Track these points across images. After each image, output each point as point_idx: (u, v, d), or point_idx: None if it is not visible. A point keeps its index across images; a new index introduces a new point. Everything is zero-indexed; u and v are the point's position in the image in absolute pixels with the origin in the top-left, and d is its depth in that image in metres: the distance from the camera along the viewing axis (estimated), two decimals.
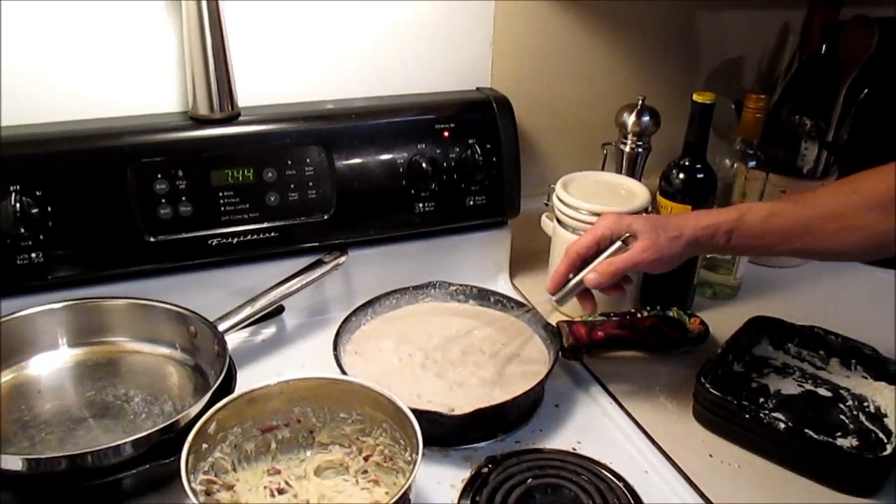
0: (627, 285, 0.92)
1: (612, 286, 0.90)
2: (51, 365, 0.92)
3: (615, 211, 0.97)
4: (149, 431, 0.75)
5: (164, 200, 0.95)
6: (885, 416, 0.93)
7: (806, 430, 0.84)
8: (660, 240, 0.85)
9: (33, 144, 0.92)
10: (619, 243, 0.88)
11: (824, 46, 1.29)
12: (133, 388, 0.89)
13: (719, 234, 0.86)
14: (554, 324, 1.00)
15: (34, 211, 0.89)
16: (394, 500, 0.68)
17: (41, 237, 0.91)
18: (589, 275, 0.88)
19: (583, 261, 0.90)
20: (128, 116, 0.99)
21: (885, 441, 0.89)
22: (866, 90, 1.26)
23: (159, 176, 0.94)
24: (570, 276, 0.90)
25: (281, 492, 0.76)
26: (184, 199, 0.96)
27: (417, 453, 0.72)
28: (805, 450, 0.85)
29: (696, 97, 1.05)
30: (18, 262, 0.91)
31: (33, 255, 0.91)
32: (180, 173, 0.95)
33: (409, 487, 0.70)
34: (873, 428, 0.92)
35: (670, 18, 1.28)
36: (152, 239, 0.95)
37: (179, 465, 0.70)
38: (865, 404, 0.95)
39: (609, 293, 0.91)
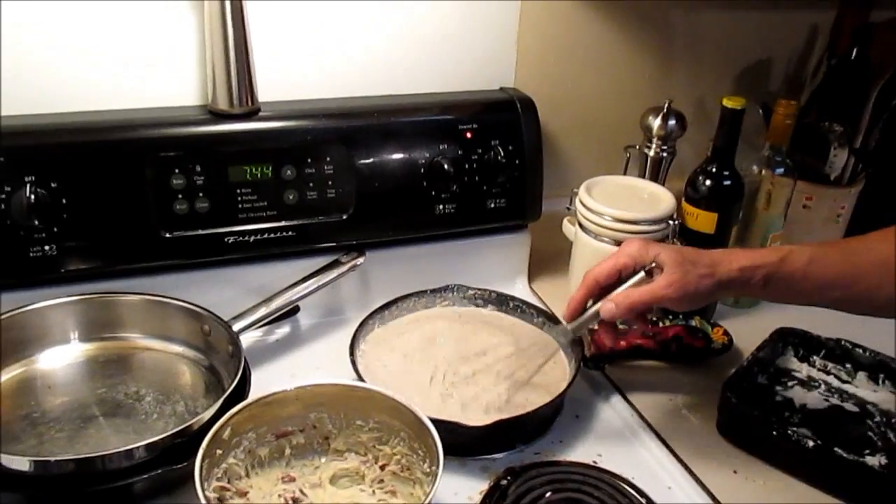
0: (651, 315, 0.86)
1: (636, 316, 0.84)
2: (61, 360, 0.91)
3: (641, 237, 0.93)
4: (162, 436, 0.73)
5: (180, 195, 0.93)
6: None
7: (835, 449, 0.82)
8: (688, 276, 0.79)
9: (49, 134, 0.90)
10: (641, 273, 0.82)
11: (854, 50, 1.26)
12: (145, 386, 0.88)
13: (756, 277, 0.80)
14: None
15: (48, 202, 0.88)
16: None
17: (55, 229, 0.89)
18: (606, 305, 0.82)
19: (602, 288, 0.84)
20: (146, 108, 0.97)
21: None
22: None
23: (176, 170, 0.93)
24: (589, 303, 0.85)
25: (296, 501, 0.75)
26: (201, 194, 0.94)
27: (438, 466, 0.70)
28: (834, 468, 0.83)
29: (726, 102, 1.02)
30: (31, 254, 0.89)
31: (46, 247, 0.90)
32: (198, 168, 0.93)
33: (430, 502, 0.68)
34: None
35: (697, 19, 1.26)
36: (168, 235, 0.94)
37: (193, 471, 0.68)
38: (894, 421, 0.93)
39: (630, 324, 0.86)
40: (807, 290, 0.81)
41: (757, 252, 0.83)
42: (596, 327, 0.87)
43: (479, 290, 1.06)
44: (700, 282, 0.79)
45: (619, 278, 0.84)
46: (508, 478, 0.81)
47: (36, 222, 0.88)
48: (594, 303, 0.85)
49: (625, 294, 0.82)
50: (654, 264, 0.82)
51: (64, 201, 0.89)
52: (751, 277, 0.80)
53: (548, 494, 0.79)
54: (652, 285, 0.81)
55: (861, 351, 0.99)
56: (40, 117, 0.92)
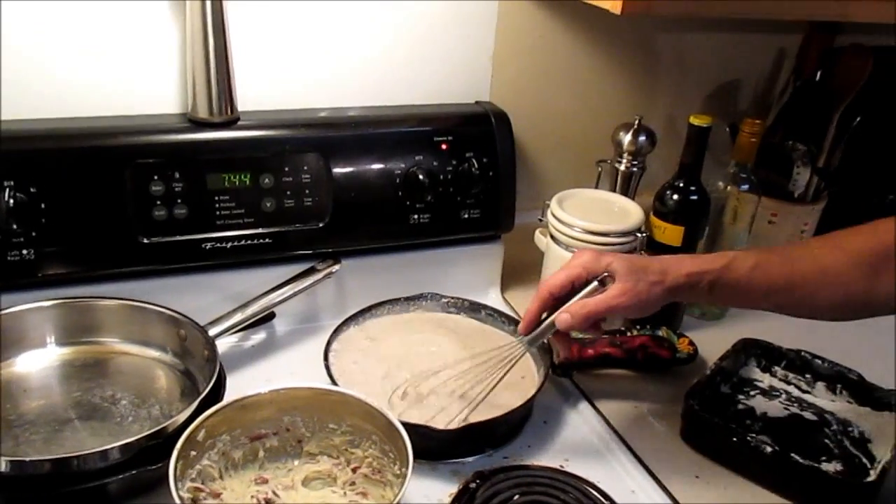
0: (606, 325, 0.88)
1: (589, 326, 0.85)
2: (38, 363, 0.91)
3: (592, 247, 0.95)
4: (137, 437, 0.74)
5: (159, 202, 0.95)
6: (870, 441, 0.94)
7: (792, 455, 0.85)
8: (639, 285, 0.81)
9: (30, 140, 0.91)
10: (595, 283, 0.83)
11: (819, 73, 1.31)
12: (121, 390, 0.89)
13: (703, 283, 0.82)
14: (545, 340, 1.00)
15: (28, 207, 0.89)
16: None
17: (34, 234, 0.90)
18: (561, 316, 0.83)
19: (555, 300, 0.85)
20: (126, 116, 0.98)
21: (869, 467, 0.90)
22: (859, 118, 1.28)
23: (156, 177, 0.94)
24: (544, 315, 0.86)
25: (268, 502, 0.76)
26: (179, 201, 0.95)
27: (407, 467, 0.72)
28: (791, 474, 0.85)
29: (692, 119, 1.06)
30: (9, 258, 0.90)
31: (25, 251, 0.90)
32: (177, 175, 0.95)
33: (399, 502, 0.70)
34: (857, 453, 0.93)
35: (670, 40, 1.29)
36: (146, 240, 0.95)
37: (167, 472, 0.70)
38: (850, 429, 0.96)
39: (585, 330, 0.87)
40: (750, 295, 0.84)
41: (704, 258, 0.85)
42: (550, 337, 0.89)
43: (453, 298, 1.08)
44: (651, 289, 0.82)
45: (572, 288, 0.85)
46: (477, 481, 0.83)
47: (15, 227, 0.89)
48: (549, 314, 0.86)
49: (580, 304, 0.83)
50: (606, 274, 0.83)
51: (43, 206, 0.90)
52: (698, 283, 0.82)
53: (515, 497, 0.81)
54: (605, 295, 0.82)
55: (820, 362, 1.02)
56: (20, 122, 0.93)
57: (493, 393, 0.92)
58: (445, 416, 0.88)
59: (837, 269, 0.81)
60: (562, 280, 0.84)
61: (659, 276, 0.82)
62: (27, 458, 0.72)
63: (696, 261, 0.84)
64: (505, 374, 0.89)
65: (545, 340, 0.90)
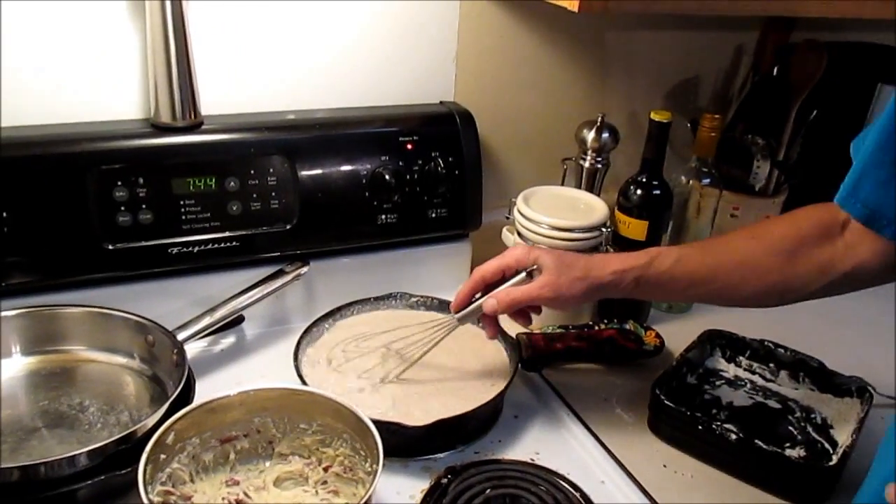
0: (535, 314, 0.92)
1: (518, 314, 0.91)
2: (4, 373, 0.90)
3: (525, 244, 1.00)
4: (105, 442, 0.74)
5: (123, 208, 0.94)
6: (831, 427, 0.97)
7: (756, 441, 0.87)
8: (560, 279, 0.86)
9: None
10: (522, 274, 0.89)
11: (776, 68, 1.34)
12: (89, 397, 0.88)
13: (626, 280, 0.86)
14: (513, 336, 1.01)
15: None
16: None
17: None
18: (489, 300, 0.89)
19: (487, 285, 0.91)
20: (88, 122, 0.97)
21: (831, 452, 0.92)
22: (816, 111, 1.30)
23: (119, 183, 0.94)
24: (476, 297, 0.91)
25: (240, 503, 0.76)
26: (144, 206, 0.95)
27: (378, 464, 0.72)
28: (755, 460, 0.87)
29: (653, 116, 1.08)
30: None
31: None
32: (141, 181, 0.94)
33: (370, 498, 0.71)
34: (820, 439, 0.95)
35: (630, 39, 1.31)
36: (111, 246, 0.94)
37: (137, 477, 0.69)
38: (812, 416, 0.99)
39: (514, 319, 0.92)
40: (673, 289, 0.89)
41: (630, 256, 0.89)
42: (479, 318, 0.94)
43: (422, 297, 1.09)
44: (573, 284, 0.86)
45: (503, 277, 0.90)
46: (449, 476, 0.84)
47: None
48: (481, 296, 0.91)
49: (506, 292, 0.89)
50: (535, 267, 0.88)
51: (5, 215, 0.89)
52: (622, 280, 0.86)
53: (487, 491, 0.82)
54: (529, 286, 0.88)
55: (783, 351, 1.04)
56: None
57: (464, 390, 0.93)
58: (380, 372, 0.94)
59: (756, 258, 0.85)
60: (494, 267, 0.90)
61: (583, 272, 0.87)
62: None
63: (622, 259, 0.88)
64: (437, 343, 0.94)
65: (475, 320, 0.95)
